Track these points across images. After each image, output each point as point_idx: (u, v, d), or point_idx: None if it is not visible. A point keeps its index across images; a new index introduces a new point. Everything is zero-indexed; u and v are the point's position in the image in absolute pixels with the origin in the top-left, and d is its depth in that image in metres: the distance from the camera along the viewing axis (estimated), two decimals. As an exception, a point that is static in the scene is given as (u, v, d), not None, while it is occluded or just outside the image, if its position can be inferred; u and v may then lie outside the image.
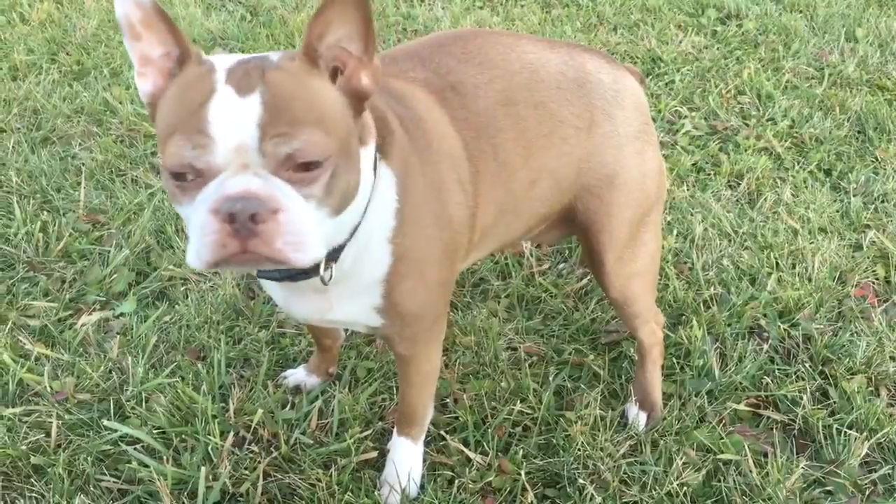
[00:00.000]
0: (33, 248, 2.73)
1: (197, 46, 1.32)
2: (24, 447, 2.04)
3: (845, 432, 2.09)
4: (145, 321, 2.44)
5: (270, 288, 1.69)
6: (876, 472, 2.02)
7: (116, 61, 3.95)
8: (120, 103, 3.55)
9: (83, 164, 3.17)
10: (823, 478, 1.99)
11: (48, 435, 2.08)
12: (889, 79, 3.79)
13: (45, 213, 2.91)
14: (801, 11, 4.43)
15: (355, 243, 1.47)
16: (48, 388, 2.20)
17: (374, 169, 1.46)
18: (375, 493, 1.95)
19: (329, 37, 1.26)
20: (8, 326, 2.40)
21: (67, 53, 4.06)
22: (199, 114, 1.19)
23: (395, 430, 1.97)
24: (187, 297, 2.54)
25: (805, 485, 1.98)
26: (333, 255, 1.45)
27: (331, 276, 1.46)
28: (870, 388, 2.23)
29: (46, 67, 3.93)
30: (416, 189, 1.54)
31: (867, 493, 1.98)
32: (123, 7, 1.27)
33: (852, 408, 2.15)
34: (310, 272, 1.44)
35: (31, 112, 3.57)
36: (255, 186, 1.19)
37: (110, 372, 2.28)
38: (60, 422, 2.11)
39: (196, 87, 1.23)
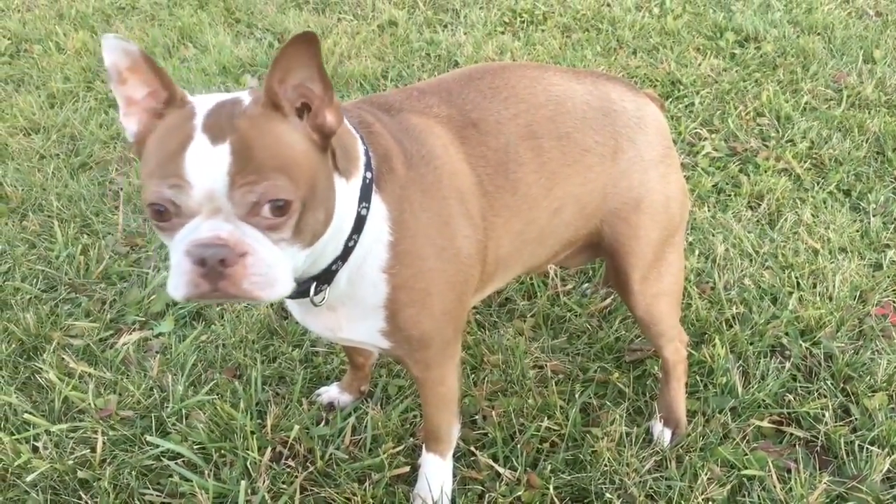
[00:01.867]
0: (74, 270, 2.84)
1: (180, 88, 1.40)
2: (70, 462, 2.13)
3: (867, 448, 2.13)
4: (183, 341, 2.53)
5: (289, 303, 1.77)
6: (898, 487, 2.06)
7: (150, 88, 4.07)
8: (154, 129, 3.66)
9: (121, 189, 3.28)
10: (846, 493, 2.03)
11: (93, 450, 2.16)
12: (907, 100, 3.83)
13: (86, 236, 3.01)
14: (818, 33, 4.47)
15: (348, 268, 1.56)
16: (92, 406, 2.29)
17: (368, 200, 1.53)
18: (408, 506, 2.02)
19: (290, 80, 1.33)
20: (52, 346, 2.50)
21: (102, 81, 4.18)
22: (178, 160, 1.29)
23: (423, 446, 2.03)
24: (223, 317, 2.62)
25: (828, 500, 2.02)
26: (327, 278, 1.55)
27: (323, 298, 1.57)
28: (891, 405, 2.27)
29: (83, 95, 4.07)
30: (417, 224, 1.60)
31: (890, 508, 2.02)
32: (112, 57, 1.38)
33: (874, 424, 2.19)
34: (303, 293, 1.55)
35: (69, 138, 3.70)
36: (224, 233, 1.29)
37: (151, 390, 2.36)
38: (105, 437, 2.20)
39: (176, 133, 1.32)
